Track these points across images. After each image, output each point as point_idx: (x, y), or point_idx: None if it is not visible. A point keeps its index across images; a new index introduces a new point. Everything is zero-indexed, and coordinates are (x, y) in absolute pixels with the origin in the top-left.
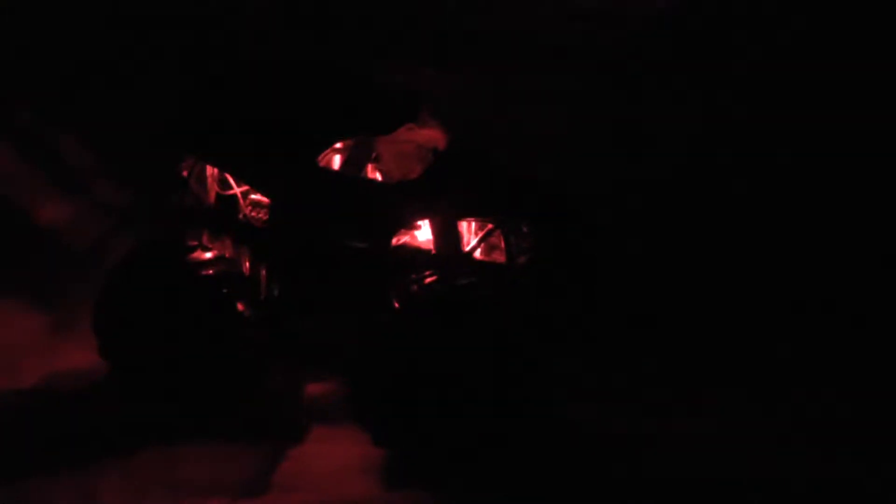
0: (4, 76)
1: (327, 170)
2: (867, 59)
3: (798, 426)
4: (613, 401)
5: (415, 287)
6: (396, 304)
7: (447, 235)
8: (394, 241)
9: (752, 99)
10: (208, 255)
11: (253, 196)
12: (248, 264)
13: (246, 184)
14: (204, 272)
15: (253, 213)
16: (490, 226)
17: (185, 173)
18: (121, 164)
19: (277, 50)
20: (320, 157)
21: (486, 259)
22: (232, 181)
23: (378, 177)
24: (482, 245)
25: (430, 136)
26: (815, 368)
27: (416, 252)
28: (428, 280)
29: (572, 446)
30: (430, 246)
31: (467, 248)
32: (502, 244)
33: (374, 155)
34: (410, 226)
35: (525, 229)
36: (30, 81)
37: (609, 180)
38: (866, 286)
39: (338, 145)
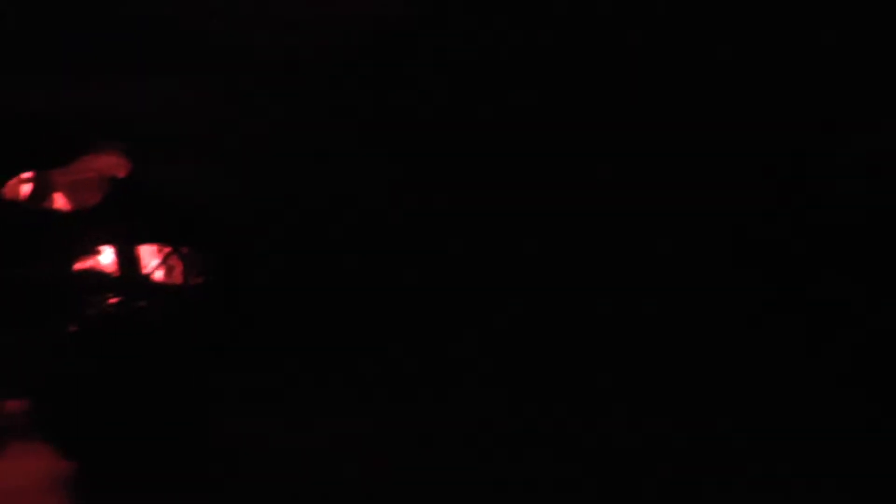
0: None
1: (8, 201)
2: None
3: None
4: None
5: (95, 309)
6: (77, 327)
7: (127, 259)
8: (77, 266)
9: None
10: None
11: None
12: None
13: None
14: None
15: None
16: (168, 249)
17: None
18: None
19: None
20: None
21: (166, 281)
22: None
23: (58, 206)
24: (162, 268)
25: (109, 163)
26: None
27: (98, 276)
28: (109, 302)
29: (254, 460)
30: (113, 270)
31: (146, 271)
32: (180, 266)
33: (53, 185)
34: (92, 251)
35: (198, 252)
36: None
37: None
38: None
39: (19, 177)
